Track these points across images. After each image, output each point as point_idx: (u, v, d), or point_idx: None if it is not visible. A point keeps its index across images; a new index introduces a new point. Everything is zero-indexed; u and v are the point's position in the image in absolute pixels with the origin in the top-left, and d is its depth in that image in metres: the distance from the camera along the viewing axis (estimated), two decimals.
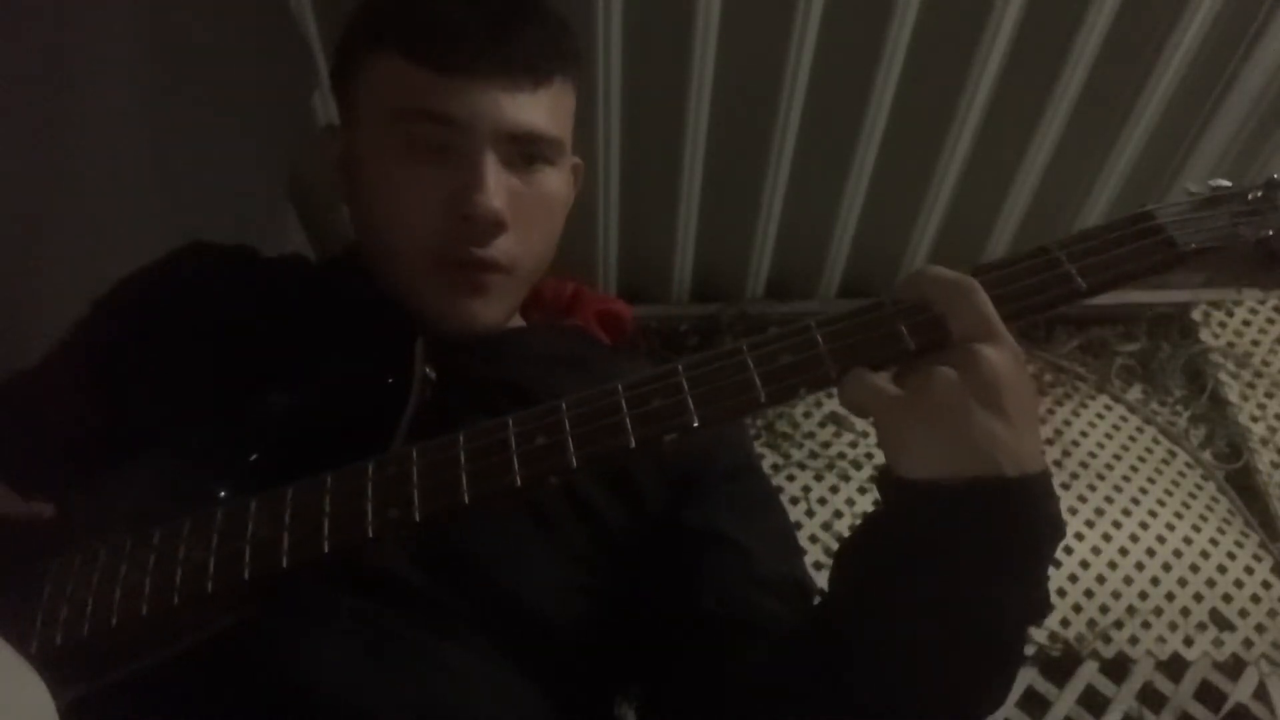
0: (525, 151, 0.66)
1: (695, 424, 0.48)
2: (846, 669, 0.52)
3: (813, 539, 1.46)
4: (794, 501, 1.50)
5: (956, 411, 0.45)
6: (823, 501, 1.50)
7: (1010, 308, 0.48)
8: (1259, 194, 0.50)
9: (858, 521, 1.45)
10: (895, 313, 0.49)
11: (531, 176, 0.67)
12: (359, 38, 0.68)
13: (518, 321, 0.79)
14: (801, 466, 1.53)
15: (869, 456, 1.54)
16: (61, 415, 0.66)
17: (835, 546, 1.43)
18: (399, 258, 0.66)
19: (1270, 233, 0.49)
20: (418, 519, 0.49)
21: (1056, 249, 0.49)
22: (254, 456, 0.60)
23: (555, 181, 0.70)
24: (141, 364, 0.67)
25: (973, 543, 0.47)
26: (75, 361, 0.71)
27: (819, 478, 1.53)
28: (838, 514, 1.48)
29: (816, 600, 0.64)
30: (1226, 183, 0.51)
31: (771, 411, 1.57)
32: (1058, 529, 0.49)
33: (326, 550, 0.50)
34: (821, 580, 0.56)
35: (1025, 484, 0.46)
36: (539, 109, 0.66)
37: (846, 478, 1.53)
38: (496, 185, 0.64)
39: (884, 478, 0.50)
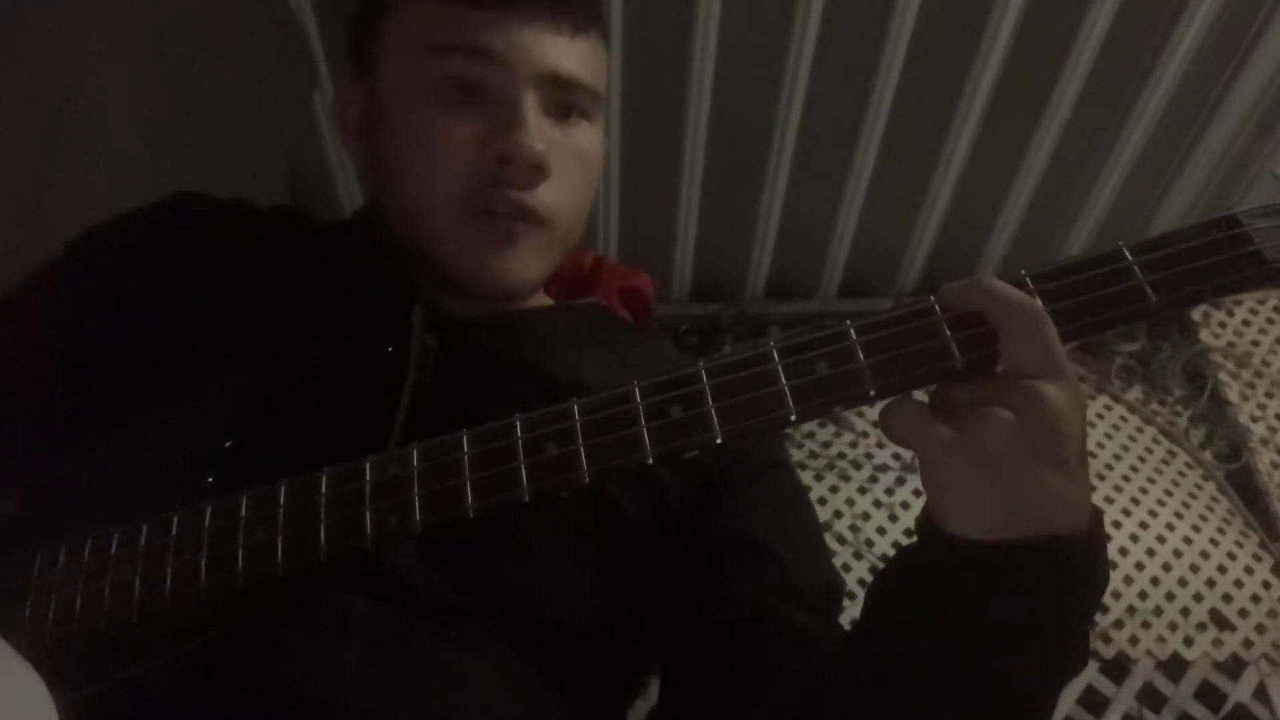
0: (564, 100, 0.63)
1: (718, 441, 0.44)
2: (879, 709, 0.49)
3: None
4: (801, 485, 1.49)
5: (1013, 464, 0.40)
6: (823, 501, 1.50)
7: (1070, 326, 0.42)
8: None
9: (857, 522, 1.46)
10: (944, 322, 0.43)
11: (569, 129, 0.64)
12: None
13: (539, 299, 0.74)
14: (801, 466, 1.53)
15: (869, 456, 1.54)
16: (30, 381, 0.60)
17: (835, 547, 1.43)
18: (427, 207, 0.62)
19: None
20: (419, 529, 0.47)
21: (1130, 255, 0.43)
22: (242, 434, 0.56)
23: (592, 137, 0.66)
24: (120, 322, 0.62)
25: (1023, 605, 0.43)
26: (41, 317, 0.65)
27: (819, 478, 1.52)
28: (838, 514, 1.48)
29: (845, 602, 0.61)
30: None
31: None
32: (1106, 581, 0.45)
33: (323, 559, 0.48)
34: None
35: (1082, 543, 0.42)
36: (579, 56, 0.62)
37: (846, 478, 1.53)
38: (537, 126, 0.60)
39: (928, 527, 0.45)
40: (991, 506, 0.42)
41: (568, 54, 0.61)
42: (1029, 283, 0.43)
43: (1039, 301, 0.42)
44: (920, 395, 0.45)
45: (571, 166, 0.64)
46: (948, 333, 0.43)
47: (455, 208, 0.61)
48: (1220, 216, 0.43)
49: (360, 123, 0.67)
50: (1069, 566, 0.42)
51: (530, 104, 0.60)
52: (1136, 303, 0.42)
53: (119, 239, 0.69)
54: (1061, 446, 0.40)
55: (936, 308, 0.44)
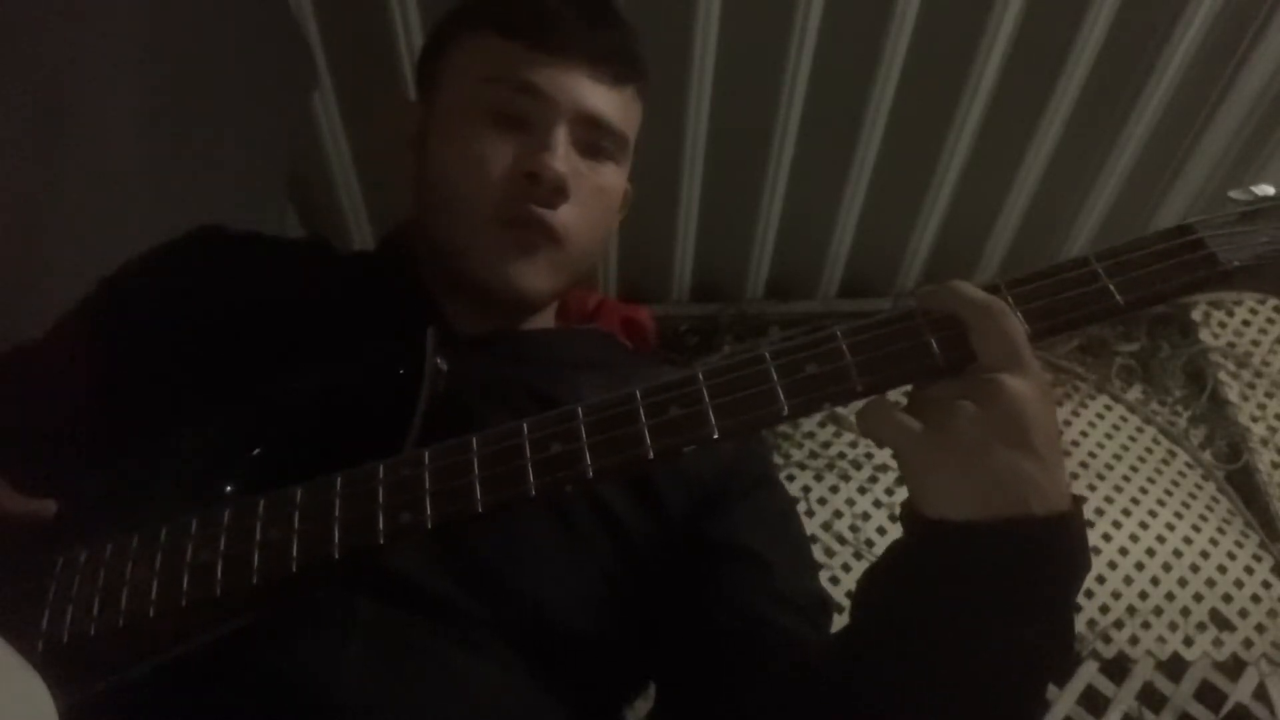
0: (594, 140, 0.70)
1: (715, 436, 0.47)
2: (867, 700, 0.50)
3: (813, 539, 1.45)
4: (793, 502, 1.50)
5: (979, 450, 0.44)
6: (823, 501, 1.50)
7: (1044, 324, 0.46)
8: None
9: (857, 522, 1.46)
10: (924, 324, 0.47)
11: (595, 165, 0.71)
12: (456, 21, 0.73)
13: (546, 321, 0.79)
14: (801, 466, 1.53)
15: (869, 456, 1.54)
16: (63, 400, 0.65)
17: (835, 547, 1.44)
18: (463, 212, 0.68)
19: None
20: (430, 525, 0.49)
21: (1096, 261, 0.47)
22: (261, 449, 0.59)
23: (615, 178, 0.73)
24: (148, 347, 0.66)
25: (1002, 583, 0.45)
26: (79, 342, 0.71)
27: (819, 478, 1.53)
28: (838, 514, 1.48)
29: (835, 616, 0.63)
30: (1271, 190, 0.50)
31: None
32: (1087, 564, 0.47)
33: (337, 556, 0.49)
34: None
35: (1055, 523, 0.44)
36: (613, 103, 0.70)
37: (846, 478, 1.53)
38: (565, 154, 0.67)
39: (908, 512, 0.48)
40: (965, 490, 0.44)
41: (604, 100, 0.69)
42: (1002, 286, 0.47)
43: (1008, 302, 0.46)
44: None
45: (592, 198, 0.70)
46: (927, 333, 0.46)
47: (486, 215, 0.68)
48: (1178, 226, 0.48)
49: (416, 136, 0.74)
50: (1045, 544, 0.45)
51: (561, 135, 0.68)
52: (1104, 302, 0.46)
53: (150, 270, 0.74)
54: (1026, 433, 0.44)
55: (916, 312, 0.47)
